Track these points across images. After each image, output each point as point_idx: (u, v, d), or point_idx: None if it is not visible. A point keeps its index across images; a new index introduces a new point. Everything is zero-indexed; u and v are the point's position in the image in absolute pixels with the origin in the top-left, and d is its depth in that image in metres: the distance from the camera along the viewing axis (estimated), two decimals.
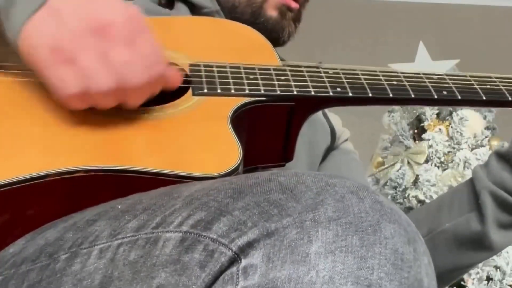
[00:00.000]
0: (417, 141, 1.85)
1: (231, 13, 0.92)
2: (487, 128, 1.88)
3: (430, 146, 1.79)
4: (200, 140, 0.64)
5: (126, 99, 0.62)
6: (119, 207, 0.54)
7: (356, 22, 3.23)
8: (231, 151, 0.62)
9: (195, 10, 0.91)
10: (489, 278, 1.62)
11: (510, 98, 0.77)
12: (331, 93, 0.73)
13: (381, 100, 0.75)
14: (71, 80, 0.58)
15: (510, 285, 1.62)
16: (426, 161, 1.79)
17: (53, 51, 0.58)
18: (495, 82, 0.78)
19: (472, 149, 1.81)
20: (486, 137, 1.83)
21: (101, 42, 0.58)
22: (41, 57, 0.58)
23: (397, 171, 1.78)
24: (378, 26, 3.21)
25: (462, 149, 1.79)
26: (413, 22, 3.19)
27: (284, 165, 0.77)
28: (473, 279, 1.60)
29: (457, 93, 0.76)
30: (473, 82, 0.77)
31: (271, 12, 0.91)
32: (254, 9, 0.91)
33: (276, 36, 0.90)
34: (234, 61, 0.74)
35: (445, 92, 0.75)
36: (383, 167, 1.85)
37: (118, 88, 0.59)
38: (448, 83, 0.77)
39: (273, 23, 0.91)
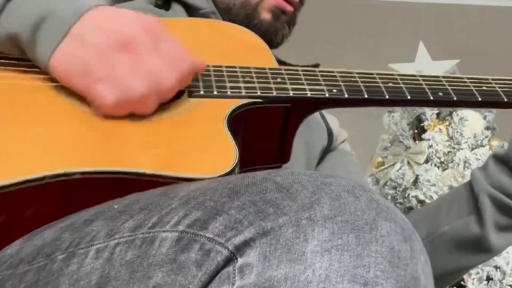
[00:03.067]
0: (417, 141, 1.85)
1: (227, 15, 0.92)
2: (487, 128, 1.88)
3: (430, 146, 1.79)
4: (196, 142, 0.64)
5: (163, 98, 0.66)
6: (116, 207, 0.54)
7: (356, 22, 3.23)
8: (227, 153, 0.62)
9: (191, 11, 0.91)
10: (489, 278, 1.62)
11: (506, 99, 0.77)
12: (327, 95, 0.73)
13: (377, 101, 0.75)
14: (108, 94, 0.62)
15: (510, 285, 1.62)
16: (426, 161, 1.79)
17: (85, 73, 0.63)
18: (491, 83, 0.78)
19: (472, 149, 1.80)
20: (486, 137, 1.83)
21: (128, 56, 0.63)
22: (76, 80, 0.63)
23: (397, 171, 1.77)
24: (378, 26, 3.21)
25: (462, 149, 1.79)
26: (413, 22, 3.19)
27: (280, 167, 0.77)
28: (473, 279, 1.59)
29: (452, 94, 0.76)
30: (469, 84, 0.77)
31: (265, 15, 0.91)
32: (248, 11, 0.91)
33: (269, 38, 0.90)
34: (231, 62, 0.74)
35: (441, 94, 0.75)
36: (383, 167, 1.84)
37: (152, 92, 0.64)
38: (444, 84, 0.77)
39: (267, 26, 0.91)
